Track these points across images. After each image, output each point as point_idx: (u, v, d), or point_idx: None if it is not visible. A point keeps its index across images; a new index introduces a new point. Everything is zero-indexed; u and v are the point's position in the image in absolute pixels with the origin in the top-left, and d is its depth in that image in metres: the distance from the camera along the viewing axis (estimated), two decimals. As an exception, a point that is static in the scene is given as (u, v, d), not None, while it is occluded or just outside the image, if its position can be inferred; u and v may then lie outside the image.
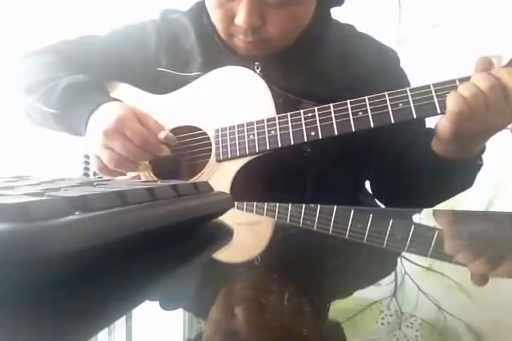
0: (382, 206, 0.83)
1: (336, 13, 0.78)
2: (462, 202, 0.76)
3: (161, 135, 0.68)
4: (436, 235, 0.39)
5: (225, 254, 0.29)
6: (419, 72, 0.93)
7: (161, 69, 0.80)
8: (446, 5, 1.66)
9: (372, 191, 0.85)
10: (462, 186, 0.73)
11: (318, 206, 0.51)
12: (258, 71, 0.74)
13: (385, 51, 0.82)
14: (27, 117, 0.83)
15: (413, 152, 0.72)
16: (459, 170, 0.67)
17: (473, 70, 0.62)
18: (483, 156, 0.69)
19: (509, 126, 0.62)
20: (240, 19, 0.66)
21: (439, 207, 0.76)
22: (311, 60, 0.75)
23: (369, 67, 0.76)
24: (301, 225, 0.42)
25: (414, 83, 0.80)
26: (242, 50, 0.73)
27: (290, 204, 0.52)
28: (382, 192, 0.83)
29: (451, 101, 0.59)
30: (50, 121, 0.76)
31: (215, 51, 0.76)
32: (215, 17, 0.71)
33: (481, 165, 0.69)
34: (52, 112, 0.73)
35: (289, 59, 0.74)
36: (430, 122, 0.70)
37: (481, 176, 0.71)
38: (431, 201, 0.73)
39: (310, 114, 0.67)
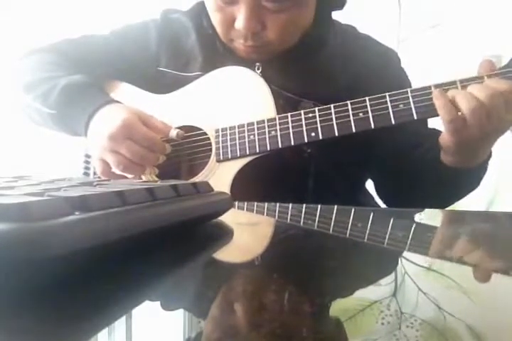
0: (383, 206, 0.83)
1: (337, 14, 0.78)
2: (462, 202, 0.75)
3: (173, 133, 0.68)
4: (436, 235, 0.39)
5: (225, 254, 0.29)
6: (419, 72, 0.93)
7: (162, 68, 0.80)
8: (446, 5, 1.66)
9: (376, 191, 0.85)
10: (468, 189, 0.73)
11: (319, 206, 0.51)
12: (258, 72, 0.74)
13: (386, 52, 0.82)
14: (25, 116, 0.83)
15: (418, 154, 0.72)
16: (467, 176, 0.67)
17: (477, 72, 0.62)
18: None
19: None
20: (240, 24, 0.66)
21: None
22: (311, 60, 0.75)
23: (370, 68, 0.76)
24: (301, 225, 0.42)
25: (414, 83, 0.80)
26: (241, 53, 0.73)
27: (290, 205, 0.52)
28: (385, 192, 0.83)
29: (443, 112, 0.59)
30: (49, 121, 0.76)
31: (216, 52, 0.76)
32: (215, 20, 0.71)
33: (487, 167, 0.69)
34: (50, 113, 0.73)
35: (289, 60, 0.74)
36: (434, 124, 0.70)
37: (481, 176, 0.71)
38: (435, 204, 0.73)
39: (310, 115, 0.67)
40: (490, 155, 0.67)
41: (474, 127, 0.58)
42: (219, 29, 0.71)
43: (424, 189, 0.70)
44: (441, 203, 0.74)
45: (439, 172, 0.67)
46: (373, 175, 0.84)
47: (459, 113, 0.58)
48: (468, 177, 0.68)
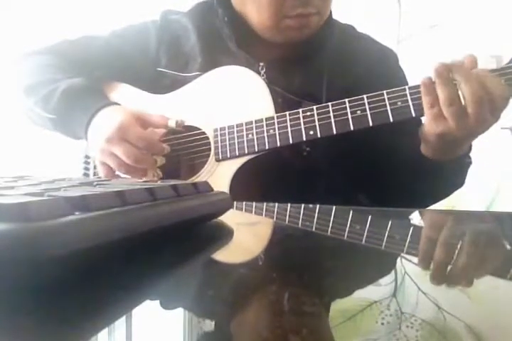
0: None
1: (336, 13, 0.78)
2: (462, 202, 0.76)
3: (172, 123, 0.69)
4: (436, 235, 0.39)
5: (224, 254, 0.29)
6: (419, 72, 0.93)
7: (161, 69, 0.81)
8: (446, 5, 1.66)
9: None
10: (453, 186, 0.73)
11: (317, 206, 0.51)
12: (262, 72, 0.74)
13: (385, 52, 0.82)
14: (27, 118, 0.83)
15: (403, 151, 0.72)
16: (449, 169, 0.68)
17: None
18: (482, 155, 0.69)
19: (508, 126, 0.62)
20: None
21: (441, 207, 0.75)
22: (312, 61, 0.75)
23: (368, 68, 0.76)
24: (300, 226, 0.42)
25: (414, 83, 0.80)
26: (282, 36, 0.72)
27: (289, 205, 0.52)
28: (372, 189, 0.82)
29: (432, 125, 0.60)
30: (50, 125, 0.76)
31: (217, 52, 0.76)
32: (262, 6, 0.69)
33: (470, 163, 0.69)
34: (51, 117, 0.73)
35: (291, 60, 0.74)
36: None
37: (481, 176, 0.71)
38: (423, 202, 0.73)
39: (309, 113, 0.67)
40: (470, 149, 0.68)
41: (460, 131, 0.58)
42: (268, 12, 0.69)
43: (410, 185, 0.70)
44: (426, 201, 0.74)
45: (420, 165, 0.67)
46: (364, 172, 0.83)
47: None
48: (450, 170, 0.68)
